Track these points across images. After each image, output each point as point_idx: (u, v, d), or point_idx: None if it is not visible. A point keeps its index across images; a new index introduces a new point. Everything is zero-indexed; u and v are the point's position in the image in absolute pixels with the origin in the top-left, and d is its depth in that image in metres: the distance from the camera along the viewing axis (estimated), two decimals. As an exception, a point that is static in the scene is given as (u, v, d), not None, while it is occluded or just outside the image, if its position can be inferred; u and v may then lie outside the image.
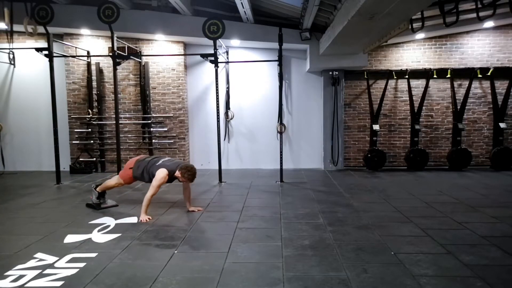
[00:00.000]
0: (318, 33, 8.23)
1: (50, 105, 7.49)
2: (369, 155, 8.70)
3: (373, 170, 8.72)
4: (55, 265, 3.41)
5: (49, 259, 3.55)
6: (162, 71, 8.91)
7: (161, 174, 4.80)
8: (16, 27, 8.18)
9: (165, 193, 6.53)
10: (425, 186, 6.95)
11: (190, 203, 5.31)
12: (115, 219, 4.88)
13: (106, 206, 5.42)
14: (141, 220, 4.73)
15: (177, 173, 4.84)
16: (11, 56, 8.93)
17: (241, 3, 7.17)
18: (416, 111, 8.68)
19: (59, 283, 3.04)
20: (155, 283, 3.01)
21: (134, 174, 5.13)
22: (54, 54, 7.47)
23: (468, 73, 8.63)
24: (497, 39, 8.72)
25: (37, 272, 3.27)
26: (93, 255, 3.63)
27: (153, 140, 9.00)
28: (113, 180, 5.38)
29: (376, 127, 8.70)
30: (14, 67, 9.08)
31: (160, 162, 5.00)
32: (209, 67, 8.66)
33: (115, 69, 7.40)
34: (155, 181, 4.78)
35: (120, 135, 7.96)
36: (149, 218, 4.77)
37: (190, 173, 4.84)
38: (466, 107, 8.72)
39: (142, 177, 5.08)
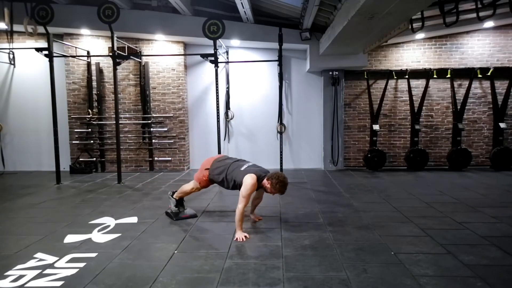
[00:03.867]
0: (318, 33, 8.23)
1: (50, 105, 7.49)
2: (369, 155, 8.70)
3: (373, 170, 8.72)
4: (55, 265, 3.41)
5: (49, 259, 3.55)
6: (162, 71, 8.91)
7: (251, 181, 4.08)
8: (16, 27, 8.18)
9: (165, 193, 6.53)
10: (425, 186, 6.95)
11: (253, 210, 4.77)
12: (115, 219, 4.88)
13: (185, 216, 4.83)
14: (236, 239, 3.97)
15: (265, 182, 4.16)
16: (11, 56, 8.94)
17: (241, 3, 7.17)
18: (416, 111, 8.68)
19: (59, 283, 3.04)
20: (155, 283, 3.01)
21: (211, 175, 4.48)
22: (54, 54, 7.47)
23: (468, 73, 8.62)
24: (497, 39, 8.72)
25: (37, 272, 3.27)
26: (93, 255, 3.63)
27: (153, 140, 9.00)
28: (189, 184, 4.80)
29: (376, 127, 8.70)
30: (14, 67, 9.08)
31: (246, 166, 4.31)
32: (209, 67, 8.67)
33: (115, 69, 7.40)
34: (245, 190, 4.05)
35: (120, 135, 7.96)
36: (246, 236, 4.03)
37: (281, 183, 4.10)
38: (466, 107, 8.71)
39: (221, 181, 4.43)
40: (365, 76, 8.78)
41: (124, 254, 3.66)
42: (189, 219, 4.81)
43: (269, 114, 9.15)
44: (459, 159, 8.55)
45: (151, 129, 8.97)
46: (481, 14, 5.35)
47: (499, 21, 8.28)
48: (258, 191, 4.51)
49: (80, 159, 8.96)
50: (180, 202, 4.87)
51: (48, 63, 7.38)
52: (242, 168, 4.27)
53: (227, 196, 6.37)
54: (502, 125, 8.48)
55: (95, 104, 8.90)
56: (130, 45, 8.44)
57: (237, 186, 4.26)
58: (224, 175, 4.36)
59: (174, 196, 4.88)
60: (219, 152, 7.56)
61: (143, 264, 3.41)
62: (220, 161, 4.51)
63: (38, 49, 7.36)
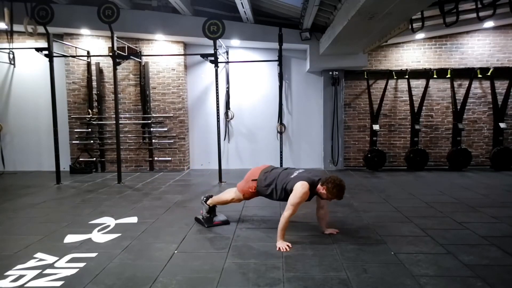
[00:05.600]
0: (318, 33, 8.23)
1: (50, 105, 7.49)
2: (369, 155, 8.70)
3: (373, 170, 8.72)
4: (55, 265, 3.41)
5: (49, 259, 3.54)
6: (162, 71, 8.91)
7: (302, 189, 3.75)
8: (16, 27, 8.17)
9: (165, 193, 6.53)
10: (425, 186, 6.95)
11: (327, 224, 4.25)
12: (115, 219, 4.88)
13: (217, 223, 4.56)
14: (279, 248, 3.70)
15: (320, 188, 3.83)
16: (11, 56, 8.94)
17: (241, 3, 7.17)
18: (416, 111, 8.68)
19: (59, 283, 3.04)
20: (155, 283, 3.01)
21: (259, 187, 4.13)
22: (54, 54, 7.47)
23: (468, 73, 8.62)
24: (497, 39, 8.72)
25: (37, 272, 3.26)
26: (93, 255, 3.62)
27: (153, 140, 9.00)
28: (229, 193, 4.46)
29: (376, 127, 8.70)
30: (14, 67, 9.08)
31: (296, 173, 3.98)
32: (209, 67, 8.67)
33: (115, 69, 7.40)
34: (295, 198, 3.74)
35: (120, 135, 7.96)
36: (288, 246, 3.74)
37: (338, 187, 3.76)
38: (466, 107, 8.71)
39: (270, 192, 4.08)
40: (365, 76, 8.78)
41: (124, 254, 3.65)
42: (221, 225, 4.53)
43: (269, 114, 9.15)
44: (459, 159, 8.55)
45: (151, 129, 8.97)
46: (481, 14, 5.35)
47: (499, 21, 8.28)
48: (317, 200, 4.13)
49: (80, 159, 8.96)
50: (212, 209, 4.61)
51: (48, 63, 7.38)
52: (293, 176, 3.95)
53: (227, 196, 6.37)
54: (502, 125, 8.48)
55: (95, 104, 8.90)
56: (130, 45, 8.44)
57: (288, 195, 3.89)
58: (273, 186, 4.03)
59: (208, 202, 4.59)
60: (219, 152, 7.56)
61: (143, 264, 3.41)
62: (268, 172, 4.17)
63: (38, 49, 7.36)
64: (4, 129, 9.18)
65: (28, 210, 5.47)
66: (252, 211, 5.21)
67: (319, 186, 3.84)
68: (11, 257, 3.61)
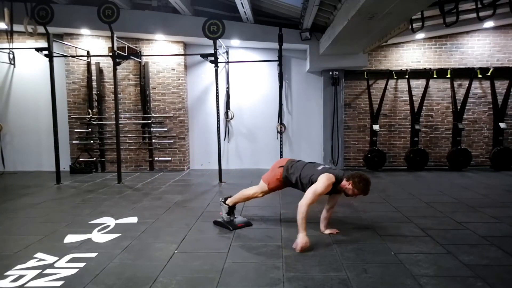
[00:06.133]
0: (318, 33, 8.23)
1: (50, 105, 7.49)
2: (369, 155, 8.70)
3: (373, 170, 8.72)
4: (55, 265, 3.41)
5: (49, 259, 3.54)
6: (162, 71, 8.91)
7: (327, 180, 3.73)
8: (16, 27, 8.17)
9: (165, 193, 6.53)
10: (425, 186, 6.95)
11: (327, 224, 4.22)
12: (115, 219, 4.88)
13: (241, 226, 4.38)
14: (297, 246, 3.59)
15: (345, 184, 3.82)
16: (11, 56, 8.94)
17: (241, 3, 7.17)
18: (416, 111, 8.68)
19: (59, 283, 3.04)
20: (155, 283, 3.01)
21: (285, 173, 4.11)
22: (54, 54, 7.47)
23: (468, 73, 8.62)
24: (497, 39, 8.72)
25: (37, 272, 3.26)
26: (93, 255, 3.62)
27: (153, 140, 9.00)
28: (252, 188, 4.41)
29: (376, 127, 8.70)
30: (14, 67, 9.08)
31: (322, 167, 3.98)
32: (209, 67, 8.67)
33: (115, 69, 7.40)
34: (318, 187, 3.70)
35: (120, 135, 7.96)
36: (307, 244, 3.60)
37: (365, 182, 3.78)
38: (466, 107, 8.71)
39: (295, 181, 4.06)
40: (365, 76, 8.78)
41: (124, 254, 3.65)
42: (244, 227, 4.39)
43: (269, 114, 9.15)
44: (459, 159, 8.55)
45: (151, 129, 8.97)
46: (481, 14, 5.35)
47: (499, 21, 8.28)
48: (332, 198, 4.10)
49: (80, 159, 8.96)
50: (232, 209, 4.49)
51: (48, 63, 7.37)
52: (319, 168, 3.95)
53: (227, 196, 6.37)
54: (502, 125, 8.48)
55: (95, 104, 8.90)
56: (130, 45, 8.44)
57: (307, 185, 3.89)
58: (298, 175, 4.02)
59: (227, 202, 4.47)
60: (219, 152, 7.56)
61: (143, 264, 3.41)
62: (294, 162, 4.20)
63: (38, 49, 7.36)
64: (4, 129, 9.18)
65: (28, 210, 5.47)
66: (252, 211, 5.21)
67: (344, 182, 3.84)
68: (11, 257, 3.61)
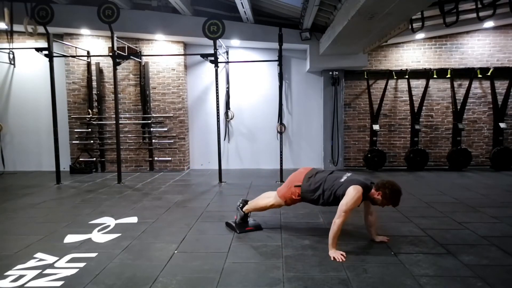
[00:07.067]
0: (318, 33, 8.23)
1: (50, 105, 7.49)
2: (369, 155, 8.70)
3: (373, 170, 8.72)
4: (55, 265, 3.41)
5: (49, 259, 3.54)
6: (162, 71, 8.91)
7: (356, 193, 3.50)
8: (16, 27, 8.17)
9: (165, 193, 6.53)
10: (425, 186, 6.95)
11: (376, 231, 3.95)
12: (115, 219, 4.88)
13: (249, 229, 4.29)
14: (333, 258, 3.43)
15: (374, 193, 3.60)
16: (11, 56, 8.93)
17: (241, 3, 7.17)
18: (416, 111, 8.67)
19: (59, 283, 3.04)
20: (155, 283, 3.01)
21: (304, 193, 3.86)
22: (54, 54, 7.47)
23: (468, 73, 8.62)
24: (497, 39, 8.72)
25: (37, 272, 3.26)
26: (93, 255, 3.62)
27: (153, 140, 9.00)
28: (269, 199, 4.18)
29: (376, 127, 8.70)
30: (14, 67, 9.08)
31: (346, 177, 3.72)
32: (209, 67, 8.67)
33: (115, 69, 7.40)
34: (348, 203, 3.47)
35: (120, 135, 7.96)
36: (343, 255, 3.44)
37: (396, 193, 3.55)
38: (466, 107, 8.71)
39: (317, 198, 3.81)
40: (365, 76, 8.78)
41: (124, 254, 3.65)
42: (254, 231, 4.29)
43: (269, 114, 9.15)
44: (459, 159, 8.55)
45: (151, 129, 8.97)
46: (481, 14, 5.35)
47: (499, 21, 8.28)
48: (366, 205, 3.85)
49: (80, 159, 8.96)
50: (245, 217, 4.36)
51: (48, 63, 7.37)
52: (342, 179, 3.70)
53: (228, 196, 6.38)
54: (502, 125, 8.48)
55: (95, 104, 8.90)
56: (130, 45, 8.43)
57: (337, 200, 3.64)
58: (320, 192, 3.77)
59: (244, 209, 4.32)
60: (219, 152, 7.56)
61: (143, 264, 3.41)
62: (312, 176, 3.90)
63: (38, 49, 7.36)
64: (4, 129, 9.18)
65: (28, 210, 5.47)
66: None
67: (373, 191, 3.61)
68: (11, 257, 3.61)
